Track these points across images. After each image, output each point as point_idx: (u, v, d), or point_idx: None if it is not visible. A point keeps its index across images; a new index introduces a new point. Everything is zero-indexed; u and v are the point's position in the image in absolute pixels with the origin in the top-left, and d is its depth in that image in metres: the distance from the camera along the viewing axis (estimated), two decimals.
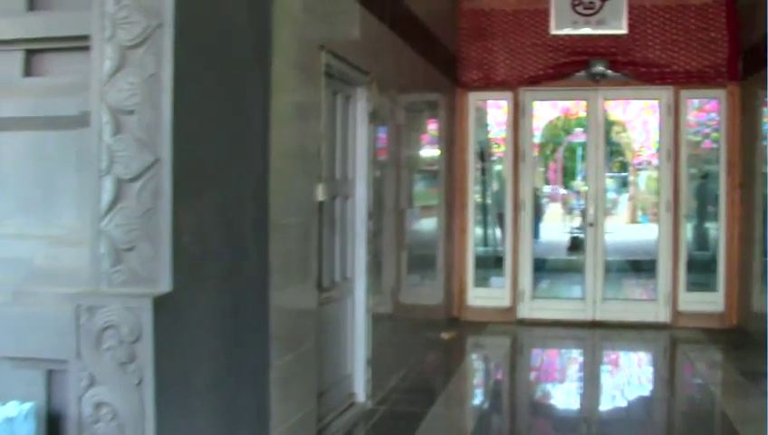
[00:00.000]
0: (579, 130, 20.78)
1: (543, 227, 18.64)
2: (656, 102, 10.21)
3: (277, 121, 4.34)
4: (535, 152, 11.52)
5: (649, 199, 21.41)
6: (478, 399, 7.34)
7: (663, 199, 9.95)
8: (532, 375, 8.11)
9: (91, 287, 3.22)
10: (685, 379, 8.11)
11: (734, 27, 9.52)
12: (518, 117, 10.14)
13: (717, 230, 9.84)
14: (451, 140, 9.87)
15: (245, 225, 3.99)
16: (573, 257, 14.20)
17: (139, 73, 3.19)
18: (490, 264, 11.02)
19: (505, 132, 10.38)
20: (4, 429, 2.97)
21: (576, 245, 15.00)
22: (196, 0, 3.41)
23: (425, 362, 8.08)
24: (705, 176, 10.55)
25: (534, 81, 10.02)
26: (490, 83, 10.14)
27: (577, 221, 17.04)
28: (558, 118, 21.42)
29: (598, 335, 9.64)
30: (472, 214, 10.41)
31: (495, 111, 11.36)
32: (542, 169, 21.03)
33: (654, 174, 15.59)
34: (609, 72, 9.82)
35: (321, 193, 5.15)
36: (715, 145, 10.07)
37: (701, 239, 10.69)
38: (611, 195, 21.32)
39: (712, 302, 9.79)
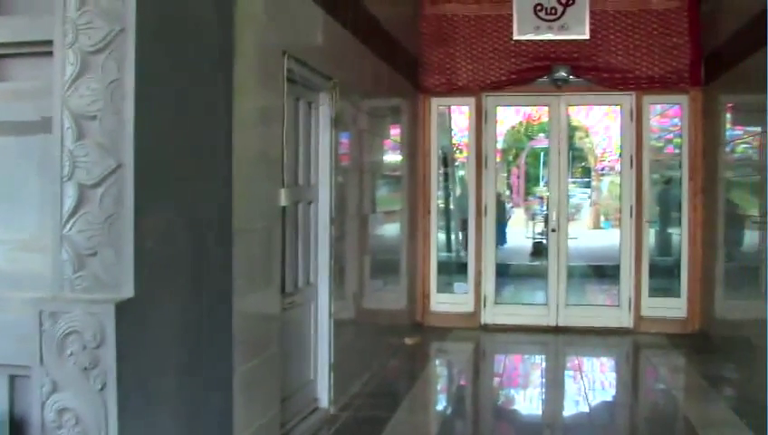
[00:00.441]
0: (541, 135, 20.86)
1: (508, 232, 18.76)
2: (618, 108, 10.26)
3: (240, 127, 4.34)
4: (498, 158, 11.55)
5: (612, 205, 21.58)
6: (442, 404, 7.38)
7: (626, 205, 10.00)
8: (496, 381, 8.16)
9: (54, 293, 3.20)
10: (647, 384, 8.18)
11: (696, 33, 9.61)
12: (481, 122, 10.17)
13: (680, 235, 9.88)
14: (414, 146, 9.90)
15: (209, 230, 3.99)
16: (536, 263, 14.28)
17: (102, 79, 3.18)
18: (453, 269, 11.03)
19: (468, 138, 10.43)
20: None
21: (539, 250, 15.07)
22: (160, 5, 3.41)
23: (388, 368, 8.09)
24: (667, 181, 10.64)
25: (497, 86, 10.05)
26: (452, 88, 10.15)
27: (540, 227, 17.14)
28: (520, 123, 21.54)
29: (561, 341, 9.68)
30: (435, 219, 10.41)
31: (459, 116, 11.39)
32: (504, 175, 21.12)
33: (617, 179, 15.68)
34: (572, 77, 9.85)
35: (284, 198, 5.17)
36: (677, 150, 10.12)
37: (664, 245, 10.72)
38: (574, 200, 21.48)
39: (675, 307, 9.84)
